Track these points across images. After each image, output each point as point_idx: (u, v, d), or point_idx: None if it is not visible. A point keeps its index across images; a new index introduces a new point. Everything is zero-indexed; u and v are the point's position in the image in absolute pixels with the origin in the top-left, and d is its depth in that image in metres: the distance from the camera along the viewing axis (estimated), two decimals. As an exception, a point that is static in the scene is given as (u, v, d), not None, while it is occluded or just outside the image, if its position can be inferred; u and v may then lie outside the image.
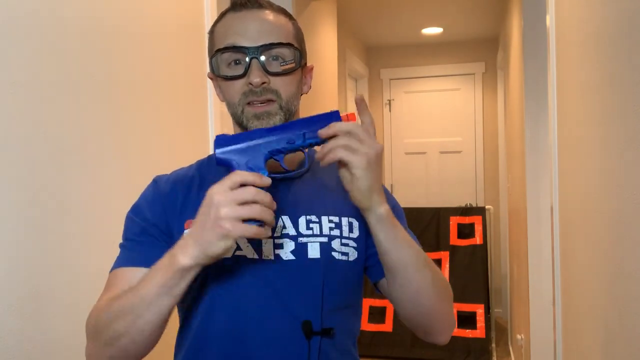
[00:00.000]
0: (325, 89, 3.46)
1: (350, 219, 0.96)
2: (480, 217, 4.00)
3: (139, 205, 0.97)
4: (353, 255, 0.95)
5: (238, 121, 0.94)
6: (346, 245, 0.94)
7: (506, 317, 4.39)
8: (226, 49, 0.91)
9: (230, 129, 1.01)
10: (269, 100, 0.91)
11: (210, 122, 1.82)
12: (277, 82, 0.91)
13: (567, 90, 1.54)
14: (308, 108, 3.02)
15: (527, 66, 2.65)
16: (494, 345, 3.99)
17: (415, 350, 3.78)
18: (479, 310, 3.81)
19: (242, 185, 0.76)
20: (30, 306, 1.08)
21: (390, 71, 5.33)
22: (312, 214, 0.95)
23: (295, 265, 0.91)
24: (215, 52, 0.93)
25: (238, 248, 0.90)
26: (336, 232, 0.95)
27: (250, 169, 0.81)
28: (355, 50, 4.77)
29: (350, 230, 0.96)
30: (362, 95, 0.86)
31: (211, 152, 1.76)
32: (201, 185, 0.97)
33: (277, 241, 0.91)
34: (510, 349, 3.95)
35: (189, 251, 0.77)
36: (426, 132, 5.23)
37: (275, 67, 0.91)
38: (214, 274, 0.89)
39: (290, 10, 2.64)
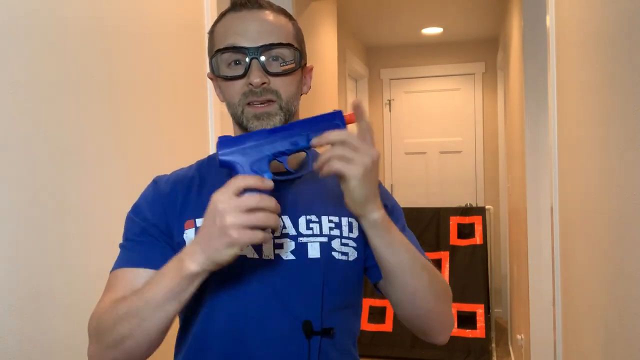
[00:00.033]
0: (325, 89, 3.46)
1: (350, 219, 0.96)
2: (480, 217, 4.00)
3: (139, 205, 0.97)
4: (353, 255, 0.95)
5: (238, 121, 0.94)
6: (346, 245, 0.95)
7: (506, 317, 4.39)
8: (226, 49, 0.91)
9: (230, 129, 1.01)
10: (269, 101, 0.91)
11: (210, 122, 1.82)
12: (277, 83, 0.91)
13: (567, 90, 1.54)
14: (308, 108, 3.02)
15: (527, 66, 2.65)
16: (494, 345, 3.99)
17: (415, 350, 3.78)
18: (479, 310, 3.81)
19: (246, 189, 0.76)
20: (30, 306, 1.08)
21: (390, 71, 5.33)
22: (312, 214, 0.95)
23: (296, 265, 0.91)
24: (215, 53, 0.93)
25: (238, 248, 0.90)
26: (336, 232, 0.95)
27: (254, 171, 0.81)
28: (355, 50, 4.77)
29: (350, 230, 0.96)
30: (359, 100, 0.86)
31: (211, 152, 1.76)
32: (201, 185, 0.97)
33: (277, 241, 0.91)
34: (510, 349, 3.95)
35: (197, 258, 0.77)
36: (426, 132, 5.23)
37: (275, 67, 0.91)
38: (214, 273, 0.89)
39: (290, 10, 2.64)
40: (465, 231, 4.01)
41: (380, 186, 1.02)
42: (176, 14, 1.65)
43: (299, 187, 0.97)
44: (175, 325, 0.95)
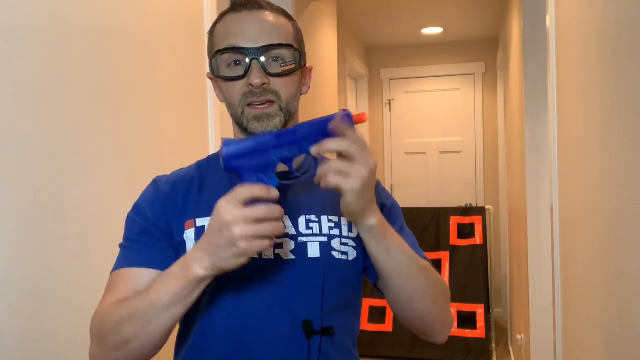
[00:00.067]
0: (325, 89, 3.46)
1: (350, 219, 0.96)
2: (480, 217, 4.00)
3: (139, 205, 0.97)
4: (352, 254, 0.95)
5: (238, 122, 0.94)
6: (346, 244, 0.95)
7: (506, 317, 4.39)
8: (226, 49, 0.91)
9: (230, 129, 1.01)
10: (269, 101, 0.91)
11: (210, 122, 1.82)
12: (277, 83, 0.91)
13: (567, 90, 1.54)
14: (308, 108, 3.02)
15: (527, 66, 2.65)
16: (494, 345, 3.99)
17: (415, 350, 3.78)
18: (479, 310, 3.81)
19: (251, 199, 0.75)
20: (30, 306, 1.08)
21: (390, 71, 5.33)
22: (312, 214, 0.95)
23: (295, 265, 0.91)
24: (215, 53, 0.93)
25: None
26: (336, 232, 0.95)
27: (260, 179, 0.79)
28: (355, 50, 4.77)
29: (350, 229, 0.96)
30: (339, 122, 0.80)
31: (211, 152, 1.76)
32: (201, 185, 0.97)
33: (277, 241, 0.91)
34: (510, 349, 3.95)
35: (204, 264, 0.77)
36: (426, 132, 5.23)
37: (275, 68, 0.91)
38: (215, 274, 0.89)
39: (290, 10, 2.64)
40: (465, 231, 4.01)
41: (379, 185, 1.02)
42: (176, 14, 1.65)
43: (298, 186, 0.97)
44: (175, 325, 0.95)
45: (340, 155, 0.78)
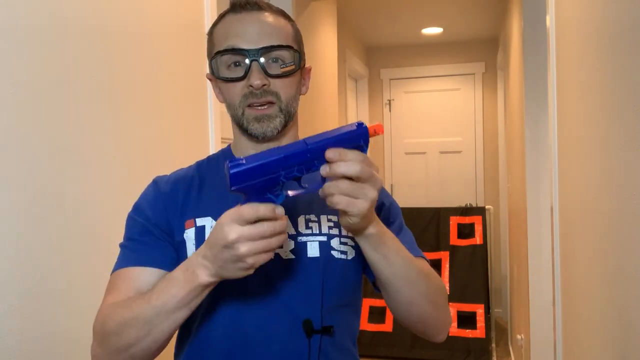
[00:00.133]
0: (326, 90, 3.46)
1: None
2: (480, 217, 4.00)
3: (139, 205, 0.97)
4: (352, 253, 0.95)
5: (238, 123, 0.95)
6: (345, 244, 0.95)
7: (506, 317, 4.39)
8: (226, 51, 0.91)
9: (229, 129, 1.01)
10: (269, 102, 0.91)
11: (210, 122, 1.82)
12: (277, 84, 0.91)
13: (567, 90, 1.55)
14: (308, 108, 3.02)
15: (527, 66, 2.65)
16: (494, 345, 3.99)
17: (415, 350, 3.78)
18: (479, 310, 3.81)
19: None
20: (30, 306, 1.08)
21: (390, 71, 5.33)
22: (311, 213, 0.95)
23: (295, 264, 0.92)
24: (215, 54, 0.93)
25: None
26: (335, 231, 0.95)
27: (268, 198, 0.75)
28: (355, 50, 4.77)
29: (350, 229, 0.96)
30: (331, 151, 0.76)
31: (211, 152, 1.76)
32: (201, 185, 0.98)
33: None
34: (510, 349, 3.95)
35: (210, 272, 0.77)
36: (426, 132, 5.23)
37: (275, 69, 0.91)
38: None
39: (290, 10, 2.64)
40: (465, 231, 4.01)
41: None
42: (176, 14, 1.65)
43: (298, 187, 0.97)
44: (175, 325, 0.95)
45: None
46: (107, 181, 1.31)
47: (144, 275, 0.89)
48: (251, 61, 0.90)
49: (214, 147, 1.82)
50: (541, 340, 2.64)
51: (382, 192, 1.02)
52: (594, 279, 1.26)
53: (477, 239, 3.96)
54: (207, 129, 1.81)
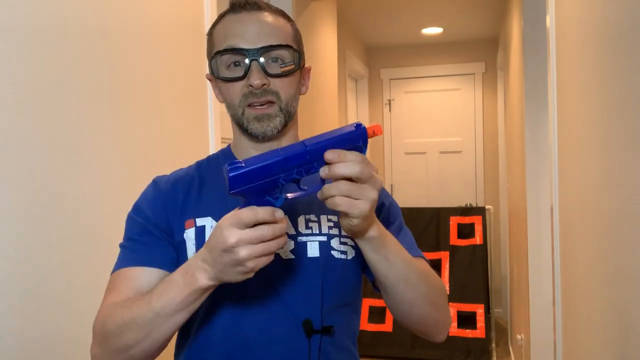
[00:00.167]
0: (326, 90, 3.46)
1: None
2: (480, 217, 4.00)
3: (139, 205, 0.97)
4: (351, 253, 0.95)
5: (238, 123, 0.95)
6: (345, 244, 0.95)
7: (506, 317, 4.39)
8: (226, 51, 0.91)
9: (229, 129, 1.01)
10: (269, 102, 0.91)
11: (210, 122, 1.82)
12: (276, 84, 0.91)
13: (567, 90, 1.55)
14: (308, 108, 3.02)
15: (527, 66, 2.65)
16: (494, 345, 3.99)
17: (415, 350, 3.78)
18: (479, 310, 3.81)
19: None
20: (30, 306, 1.08)
21: (390, 71, 5.33)
22: (311, 213, 0.95)
23: (295, 264, 0.92)
24: (214, 54, 0.93)
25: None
26: (335, 231, 0.95)
27: (267, 201, 0.75)
28: (355, 50, 4.77)
29: (349, 229, 0.96)
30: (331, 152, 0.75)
31: (211, 152, 1.76)
32: (201, 185, 0.98)
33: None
34: (510, 349, 3.95)
35: (209, 275, 0.77)
36: (426, 132, 5.23)
37: (274, 68, 0.91)
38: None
39: (290, 10, 2.64)
40: (465, 231, 4.01)
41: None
42: (176, 14, 1.65)
43: (298, 187, 0.97)
44: (175, 325, 0.95)
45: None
46: (107, 181, 1.30)
47: (144, 275, 0.89)
48: (251, 61, 0.90)
49: (214, 147, 1.82)
50: (541, 340, 2.64)
51: (382, 192, 1.02)
52: (594, 279, 1.26)
53: (477, 239, 3.96)
54: (207, 129, 1.81)
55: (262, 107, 0.91)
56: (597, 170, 1.21)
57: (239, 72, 0.91)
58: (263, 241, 0.73)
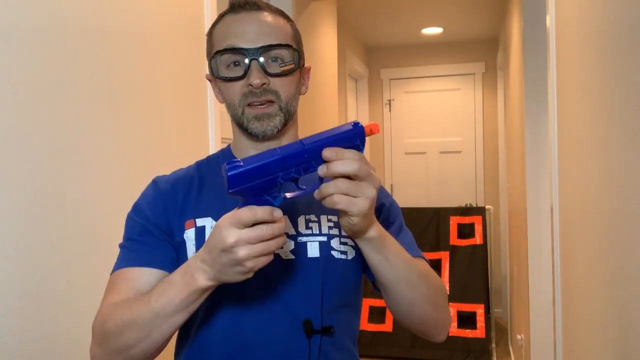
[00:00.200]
0: (325, 90, 3.46)
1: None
2: (480, 217, 4.00)
3: (139, 205, 0.97)
4: (351, 253, 0.95)
5: (238, 122, 0.95)
6: (345, 244, 0.95)
7: (506, 317, 4.39)
8: (225, 50, 0.91)
9: (229, 129, 1.01)
10: (269, 101, 0.91)
11: (210, 122, 1.82)
12: (276, 83, 0.92)
13: (567, 90, 1.55)
14: (308, 108, 3.02)
15: (527, 66, 2.65)
16: (494, 345, 3.99)
17: (415, 350, 3.78)
18: (479, 310, 3.81)
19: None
20: (30, 306, 1.08)
21: (390, 71, 5.33)
22: (311, 214, 0.95)
23: (295, 265, 0.92)
24: (214, 54, 0.93)
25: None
26: (335, 231, 0.95)
27: (265, 201, 0.75)
28: (355, 50, 4.77)
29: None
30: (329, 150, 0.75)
31: (211, 152, 1.76)
32: (201, 185, 0.98)
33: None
34: (510, 349, 3.95)
35: (208, 276, 0.77)
36: (426, 132, 5.24)
37: (274, 68, 0.91)
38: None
39: (290, 10, 2.64)
40: (465, 231, 4.01)
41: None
42: (176, 14, 1.65)
43: (298, 187, 0.97)
44: (175, 325, 0.95)
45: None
46: (107, 181, 1.30)
47: (144, 275, 0.89)
48: (250, 60, 0.90)
49: (214, 147, 1.82)
50: (541, 340, 2.64)
51: (382, 192, 1.02)
52: (594, 279, 1.26)
53: (477, 239, 3.96)
54: (207, 129, 1.81)
55: (262, 106, 0.91)
56: (597, 170, 1.21)
57: (238, 72, 0.91)
58: (262, 241, 0.72)
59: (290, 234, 0.93)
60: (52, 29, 1.15)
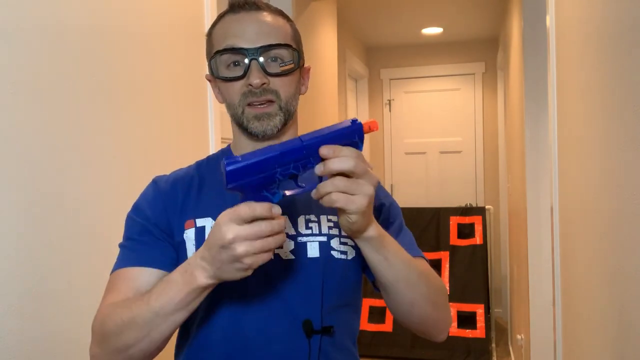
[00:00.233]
0: (325, 90, 3.46)
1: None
2: (480, 217, 4.00)
3: (139, 205, 0.97)
4: (351, 253, 0.95)
5: (238, 122, 0.95)
6: (345, 244, 0.95)
7: (506, 317, 4.39)
8: (225, 50, 0.91)
9: (229, 129, 1.01)
10: (269, 101, 0.91)
11: (210, 122, 1.82)
12: (276, 83, 0.92)
13: (567, 90, 1.55)
14: (308, 108, 3.02)
15: (527, 66, 2.65)
16: (494, 345, 3.99)
17: (415, 350, 3.78)
18: (479, 310, 3.81)
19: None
20: (30, 306, 1.08)
21: (390, 71, 5.33)
22: (311, 214, 0.95)
23: (295, 265, 0.92)
24: (214, 54, 0.93)
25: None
26: (335, 231, 0.95)
27: (264, 196, 0.75)
28: (355, 50, 4.77)
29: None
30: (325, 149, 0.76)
31: (211, 152, 1.76)
32: (201, 185, 0.98)
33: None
34: (510, 349, 3.95)
35: (208, 274, 0.76)
36: (426, 132, 5.24)
37: (274, 68, 0.91)
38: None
39: (290, 10, 2.64)
40: (465, 231, 4.01)
41: (378, 185, 1.02)
42: (176, 14, 1.65)
43: (298, 187, 0.97)
44: (175, 325, 0.95)
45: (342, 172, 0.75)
46: (107, 181, 1.31)
47: (144, 275, 0.89)
48: (250, 60, 0.90)
49: (214, 147, 1.82)
50: (541, 340, 2.64)
51: (382, 192, 1.03)
52: (594, 279, 1.26)
53: (477, 239, 3.96)
54: (207, 129, 1.81)
55: (262, 106, 0.91)
56: (597, 170, 1.21)
57: (238, 72, 0.91)
58: (261, 237, 0.72)
59: (290, 234, 0.93)
60: (52, 29, 1.15)
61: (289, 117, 0.94)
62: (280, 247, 0.91)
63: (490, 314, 4.06)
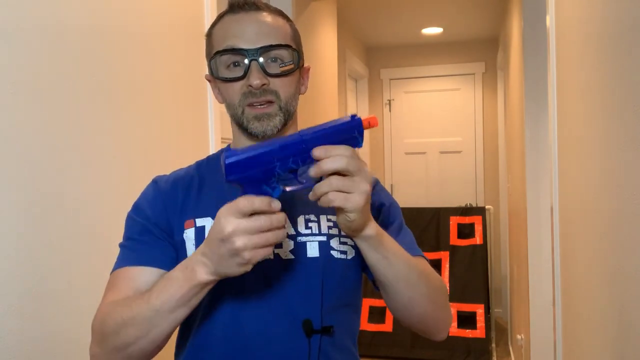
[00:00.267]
0: (325, 89, 3.46)
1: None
2: (480, 217, 4.00)
3: (139, 204, 0.97)
4: (351, 253, 0.95)
5: (238, 122, 0.95)
6: (345, 243, 0.95)
7: (506, 317, 4.39)
8: (225, 51, 0.91)
9: (229, 129, 1.01)
10: (269, 102, 0.92)
11: (210, 122, 1.82)
12: (276, 83, 0.92)
13: (567, 90, 1.55)
14: (308, 108, 3.02)
15: (527, 66, 2.65)
16: (494, 345, 3.99)
17: (415, 350, 3.78)
18: (479, 310, 3.81)
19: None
20: (30, 306, 1.08)
21: (390, 71, 5.33)
22: (311, 213, 0.95)
23: (295, 264, 0.92)
24: (214, 55, 0.93)
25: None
26: (335, 231, 0.95)
27: (264, 191, 0.76)
28: (355, 50, 4.77)
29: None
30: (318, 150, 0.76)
31: (211, 152, 1.76)
32: (201, 185, 0.98)
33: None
34: (510, 349, 3.95)
35: (208, 270, 0.77)
36: (426, 132, 5.24)
37: (274, 68, 0.91)
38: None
39: (289, 10, 2.64)
40: (465, 231, 4.01)
41: (378, 184, 1.02)
42: (176, 14, 1.65)
43: (298, 187, 0.97)
44: (175, 325, 0.95)
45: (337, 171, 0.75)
46: (107, 181, 1.31)
47: (144, 274, 0.89)
48: (250, 61, 0.90)
49: (214, 147, 1.82)
50: (541, 340, 2.64)
51: (383, 192, 1.03)
52: (594, 279, 1.26)
53: (477, 239, 3.96)
54: (207, 129, 1.81)
55: (262, 106, 0.92)
56: (597, 170, 1.21)
57: (238, 72, 0.91)
58: (260, 231, 0.73)
59: (289, 234, 0.93)
60: (52, 29, 1.15)
61: (288, 117, 0.94)
62: (280, 245, 0.91)
63: (490, 314, 4.06)
